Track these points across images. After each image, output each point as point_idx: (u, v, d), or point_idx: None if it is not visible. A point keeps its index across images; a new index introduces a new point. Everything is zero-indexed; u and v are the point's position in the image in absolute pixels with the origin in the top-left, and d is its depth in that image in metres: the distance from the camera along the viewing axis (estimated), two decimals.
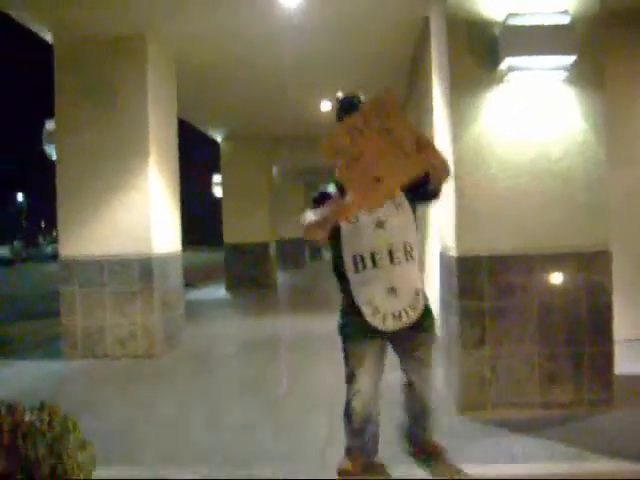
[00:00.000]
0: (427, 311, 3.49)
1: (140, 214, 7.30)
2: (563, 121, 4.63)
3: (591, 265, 4.61)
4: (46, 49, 7.58)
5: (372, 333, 3.41)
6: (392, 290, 3.33)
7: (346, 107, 3.33)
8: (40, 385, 6.25)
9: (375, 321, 3.36)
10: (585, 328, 4.62)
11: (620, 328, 5.08)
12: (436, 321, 3.66)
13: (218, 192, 16.81)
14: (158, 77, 7.64)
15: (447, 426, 4.42)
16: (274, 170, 17.25)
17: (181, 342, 7.98)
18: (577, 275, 4.61)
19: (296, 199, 23.38)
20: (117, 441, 4.36)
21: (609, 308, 4.66)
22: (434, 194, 3.40)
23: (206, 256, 38.52)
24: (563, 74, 4.52)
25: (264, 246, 15.64)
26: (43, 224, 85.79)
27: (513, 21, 4.44)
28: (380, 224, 3.35)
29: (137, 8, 6.75)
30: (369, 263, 3.33)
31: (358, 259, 3.35)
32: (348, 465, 3.63)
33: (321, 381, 5.80)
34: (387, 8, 6.89)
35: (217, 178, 16.91)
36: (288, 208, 22.01)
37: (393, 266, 3.33)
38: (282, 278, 17.98)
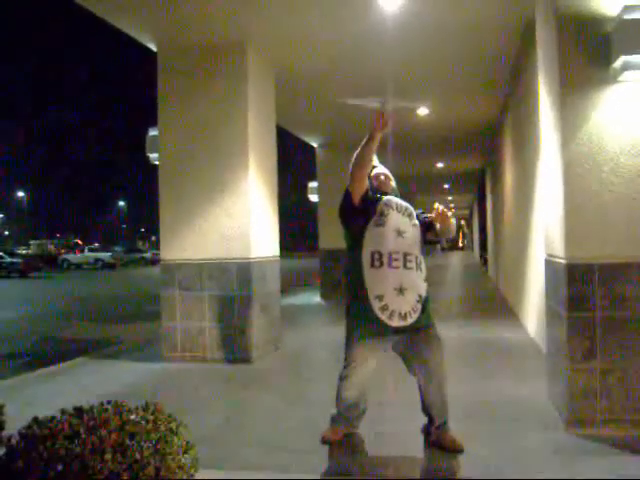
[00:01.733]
0: (426, 314, 3.98)
1: (240, 219, 7.39)
2: None
3: None
4: (151, 58, 7.80)
5: (376, 330, 3.89)
6: (401, 291, 3.79)
7: None
8: (140, 386, 6.41)
9: (383, 316, 3.79)
10: None
11: None
12: (432, 318, 4.10)
13: (314, 198, 16.89)
14: (257, 85, 7.72)
15: (554, 443, 4.24)
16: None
17: (278, 347, 8.01)
18: None
19: None
20: (215, 444, 4.39)
21: None
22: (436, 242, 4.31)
23: (301, 262, 38.80)
24: None
25: None
26: (143, 230, 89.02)
27: (629, 15, 4.17)
28: (400, 233, 3.91)
29: (239, 16, 6.84)
30: (386, 261, 3.81)
31: (376, 256, 3.83)
32: (331, 434, 4.25)
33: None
34: (490, 10, 6.71)
35: (313, 184, 17.00)
36: None
37: (405, 270, 3.84)
38: None
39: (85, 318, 13.83)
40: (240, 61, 7.46)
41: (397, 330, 3.87)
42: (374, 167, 4.31)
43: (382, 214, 3.95)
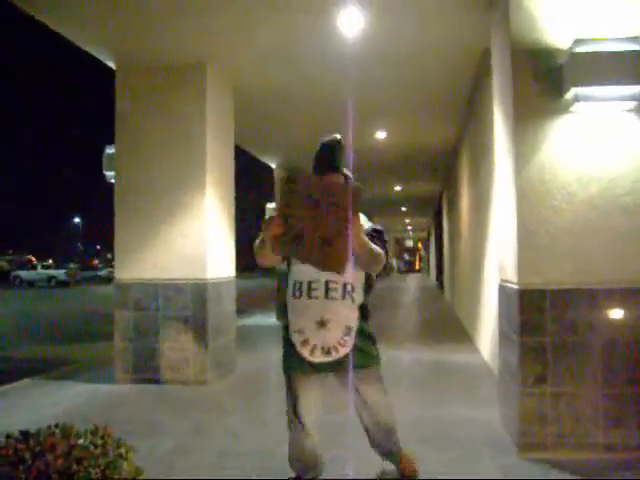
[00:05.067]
0: (361, 349, 3.48)
1: (196, 239, 7.34)
2: (631, 153, 4.47)
3: None
4: (109, 75, 7.75)
5: (299, 366, 3.48)
6: (322, 323, 3.36)
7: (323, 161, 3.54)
8: (90, 408, 6.27)
9: (304, 351, 3.41)
10: None
11: None
12: (375, 357, 3.62)
13: None
14: (216, 105, 7.72)
15: (506, 467, 4.28)
16: None
17: (232, 369, 7.94)
18: None
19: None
20: (166, 469, 4.32)
21: None
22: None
23: (257, 282, 38.64)
24: (632, 104, 4.38)
25: None
26: (99, 247, 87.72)
27: (579, 48, 4.31)
28: None
29: (198, 37, 6.86)
30: (305, 291, 3.40)
31: (297, 285, 3.44)
32: None
33: None
34: (447, 39, 6.86)
35: (270, 205, 16.99)
36: None
37: (327, 300, 3.38)
38: None
39: (36, 337, 13.53)
40: (199, 81, 7.45)
41: (322, 367, 3.45)
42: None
43: None
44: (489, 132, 6.45)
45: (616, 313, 4.42)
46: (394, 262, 59.09)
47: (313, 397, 3.56)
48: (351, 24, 6.40)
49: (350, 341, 3.42)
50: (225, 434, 5.32)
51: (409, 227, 47.07)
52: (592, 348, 4.43)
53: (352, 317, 3.45)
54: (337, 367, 3.46)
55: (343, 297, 3.40)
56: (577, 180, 4.51)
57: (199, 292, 7.26)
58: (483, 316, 8.94)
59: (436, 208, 27.03)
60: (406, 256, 69.06)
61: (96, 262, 63.97)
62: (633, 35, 4.37)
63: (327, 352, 3.38)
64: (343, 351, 3.40)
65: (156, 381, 7.22)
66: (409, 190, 21.62)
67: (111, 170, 8.09)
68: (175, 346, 7.25)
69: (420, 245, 68.28)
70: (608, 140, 4.51)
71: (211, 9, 6.12)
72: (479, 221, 9.21)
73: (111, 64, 7.62)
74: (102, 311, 17.93)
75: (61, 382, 7.54)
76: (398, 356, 8.60)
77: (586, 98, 4.34)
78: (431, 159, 15.29)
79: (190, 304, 7.26)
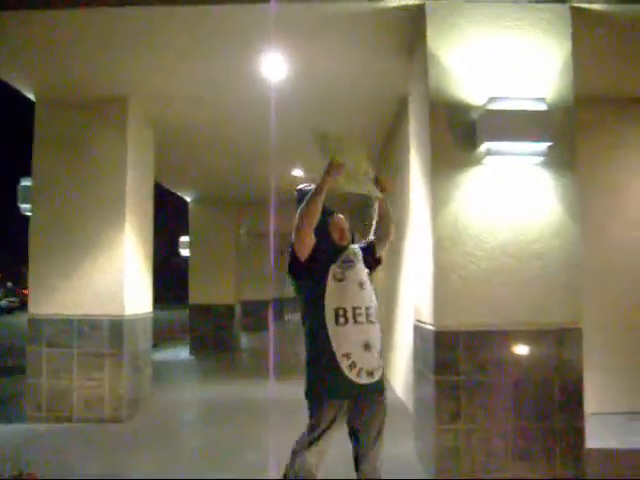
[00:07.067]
0: (383, 374, 3.66)
1: (113, 276, 7.27)
2: (538, 203, 4.83)
3: (563, 342, 4.76)
4: (23, 106, 7.62)
5: (346, 390, 3.50)
6: (367, 346, 3.53)
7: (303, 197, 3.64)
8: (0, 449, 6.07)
9: (351, 375, 3.48)
10: (556, 404, 4.74)
11: (589, 401, 5.19)
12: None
13: (185, 252, 16.79)
14: (137, 140, 7.72)
15: None
16: (241, 232, 17.33)
17: (148, 406, 7.86)
18: (550, 351, 4.76)
19: (261, 262, 23.23)
20: None
21: (579, 383, 4.79)
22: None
23: (170, 315, 37.96)
24: (539, 159, 4.74)
25: (229, 308, 15.60)
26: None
27: (492, 105, 4.65)
28: (361, 285, 3.64)
29: (119, 72, 6.87)
30: (350, 317, 3.51)
31: (340, 312, 3.52)
32: None
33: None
34: (367, 87, 7.15)
35: (184, 238, 16.91)
36: (253, 270, 21.96)
37: (369, 324, 3.57)
38: (246, 340, 17.85)
39: None
40: (120, 116, 7.44)
41: (367, 388, 3.54)
42: (333, 214, 3.91)
43: (343, 267, 3.64)
44: (407, 176, 6.72)
45: (526, 354, 4.73)
46: None
47: (337, 428, 3.59)
48: (274, 69, 6.59)
49: (382, 363, 3.64)
50: (139, 473, 5.29)
51: None
52: (503, 386, 4.71)
53: (380, 339, 3.67)
54: (376, 389, 3.60)
55: (375, 321, 3.64)
56: (488, 229, 4.82)
57: (115, 328, 7.18)
58: (397, 354, 9.18)
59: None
60: None
61: None
62: (540, 96, 4.75)
63: (370, 374, 3.53)
64: (379, 373, 3.59)
65: (70, 419, 7.05)
66: None
67: (27, 202, 7.93)
68: (90, 383, 7.11)
69: None
70: (517, 191, 4.85)
71: (133, 45, 6.16)
72: (394, 264, 9.49)
73: (30, 95, 7.51)
74: (6, 344, 17.27)
75: None
76: None
77: (497, 152, 4.68)
78: (350, 200, 15.61)
79: (106, 340, 7.16)
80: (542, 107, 4.65)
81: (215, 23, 5.66)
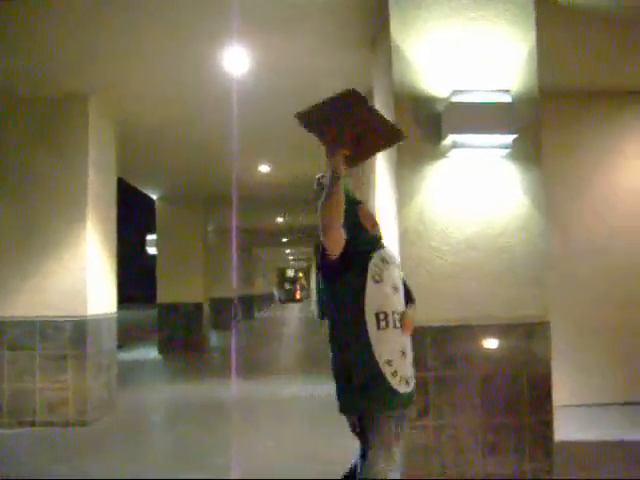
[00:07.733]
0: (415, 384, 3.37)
1: (76, 275, 7.15)
2: (504, 196, 4.78)
3: (531, 335, 4.72)
4: None
5: (396, 398, 3.20)
6: (403, 353, 3.28)
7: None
8: None
9: (394, 383, 3.18)
10: (525, 397, 4.69)
11: (558, 394, 5.18)
12: None
13: (152, 250, 16.59)
14: (98, 137, 7.60)
15: None
16: (209, 229, 17.18)
17: (114, 408, 7.72)
18: (518, 345, 4.71)
19: (229, 259, 23.08)
20: None
21: (548, 377, 4.74)
22: None
23: (138, 314, 37.66)
24: (504, 151, 4.70)
25: (198, 306, 15.44)
26: None
27: (456, 98, 4.59)
28: (396, 289, 3.34)
29: (80, 68, 6.75)
30: (391, 322, 3.22)
31: (381, 316, 3.22)
32: None
33: (260, 451, 5.68)
34: (331, 80, 7.05)
35: (151, 236, 16.70)
36: (221, 267, 21.81)
37: (402, 329, 3.29)
38: (215, 339, 17.71)
39: None
40: (81, 113, 7.34)
41: (406, 397, 3.26)
42: (359, 203, 3.58)
43: (380, 267, 3.31)
44: (371, 170, 6.67)
45: (495, 348, 4.69)
46: (275, 292, 59.15)
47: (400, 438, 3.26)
48: (237, 63, 6.50)
49: (414, 371, 3.37)
50: (106, 476, 5.17)
51: (290, 257, 47.37)
52: (471, 382, 4.66)
53: (411, 346, 3.43)
54: (410, 399, 3.32)
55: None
56: (454, 222, 4.75)
57: (79, 329, 7.05)
58: None
59: (318, 239, 27.35)
60: (287, 286, 69.27)
61: None
62: (505, 88, 4.71)
63: (407, 383, 3.25)
64: (413, 382, 3.32)
65: (33, 423, 6.90)
66: (290, 222, 21.84)
67: None
68: (53, 386, 6.96)
69: (301, 274, 68.78)
70: (482, 184, 4.79)
71: (95, 40, 6.05)
72: None
73: None
74: None
75: None
76: (272, 390, 8.58)
77: (462, 145, 4.61)
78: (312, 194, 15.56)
79: (69, 341, 7.03)
80: (507, 99, 4.60)
81: (177, 16, 5.54)
